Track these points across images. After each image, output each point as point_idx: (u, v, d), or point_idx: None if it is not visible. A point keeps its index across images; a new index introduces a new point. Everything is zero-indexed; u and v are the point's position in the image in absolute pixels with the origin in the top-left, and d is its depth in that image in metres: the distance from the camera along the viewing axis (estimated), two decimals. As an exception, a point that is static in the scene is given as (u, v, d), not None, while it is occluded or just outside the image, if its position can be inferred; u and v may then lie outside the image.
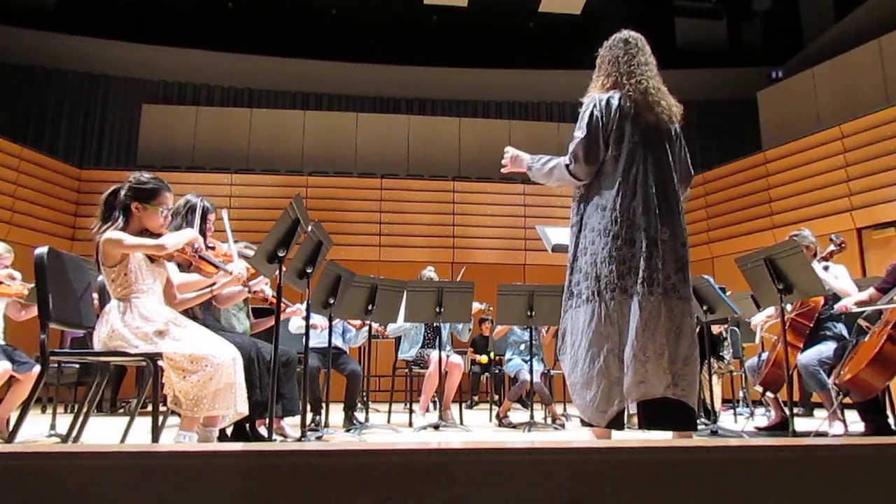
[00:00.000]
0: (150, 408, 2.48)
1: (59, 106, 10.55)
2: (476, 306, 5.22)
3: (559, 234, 3.74)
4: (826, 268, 4.02)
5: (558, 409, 5.37)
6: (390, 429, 4.59)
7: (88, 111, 10.75)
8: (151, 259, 2.59)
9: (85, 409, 2.84)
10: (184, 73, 11.28)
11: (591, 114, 2.43)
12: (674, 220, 2.37)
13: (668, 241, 2.33)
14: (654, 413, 2.31)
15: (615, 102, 2.43)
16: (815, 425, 3.93)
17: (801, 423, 4.49)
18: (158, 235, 2.60)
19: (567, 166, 2.46)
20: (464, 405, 5.75)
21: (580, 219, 2.46)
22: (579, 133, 2.44)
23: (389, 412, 5.38)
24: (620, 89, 2.46)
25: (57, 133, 10.47)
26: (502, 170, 2.73)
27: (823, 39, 10.18)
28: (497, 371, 7.31)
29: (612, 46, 2.57)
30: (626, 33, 2.59)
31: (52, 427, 4.05)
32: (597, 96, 2.48)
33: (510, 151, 2.70)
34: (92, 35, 10.60)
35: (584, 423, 2.37)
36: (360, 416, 4.81)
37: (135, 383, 6.70)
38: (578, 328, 2.37)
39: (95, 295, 2.85)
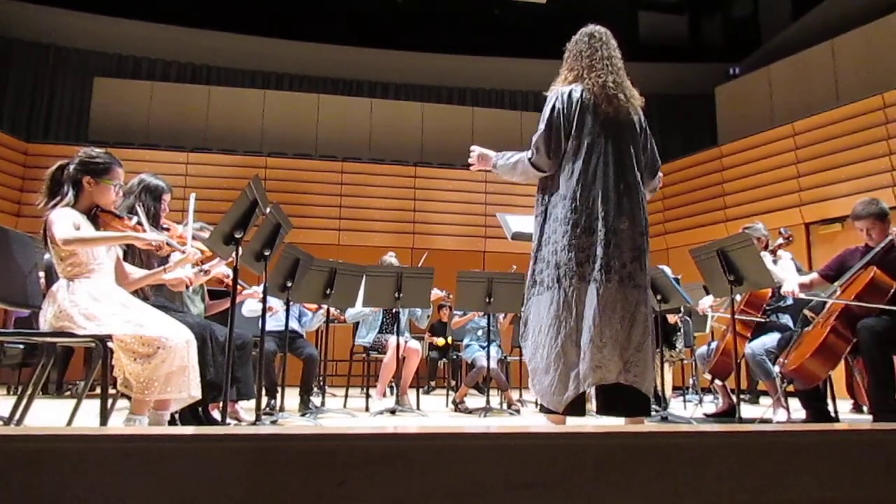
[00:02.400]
0: (98, 390, 2.42)
1: (4, 76, 10.06)
2: (435, 293, 5.22)
3: (519, 222, 3.76)
4: (775, 261, 4.15)
5: (514, 394, 5.43)
6: (347, 413, 4.58)
7: (37, 83, 10.29)
8: None
9: (29, 392, 2.75)
10: (139, 46, 10.89)
11: (553, 107, 2.49)
12: (633, 210, 2.42)
13: (626, 231, 2.38)
14: (610, 399, 2.37)
15: (576, 95, 2.48)
16: (761, 412, 4.08)
17: (747, 410, 4.65)
18: (110, 212, 2.55)
19: (529, 159, 2.51)
20: (421, 391, 5.77)
21: (545, 209, 2.49)
22: (541, 125, 2.49)
23: (346, 397, 5.36)
24: (582, 82, 2.52)
25: (2, 104, 10.00)
26: (470, 168, 2.76)
27: (780, 39, 10.44)
28: (454, 357, 7.36)
29: (577, 41, 2.62)
30: (591, 28, 2.64)
31: (-6, 409, 3.91)
32: (559, 89, 2.54)
33: (476, 150, 2.73)
34: (41, 2, 10.11)
35: (542, 410, 2.40)
36: (316, 400, 4.78)
37: (83, 365, 6.52)
38: (541, 315, 2.40)
39: (42, 273, 2.75)
